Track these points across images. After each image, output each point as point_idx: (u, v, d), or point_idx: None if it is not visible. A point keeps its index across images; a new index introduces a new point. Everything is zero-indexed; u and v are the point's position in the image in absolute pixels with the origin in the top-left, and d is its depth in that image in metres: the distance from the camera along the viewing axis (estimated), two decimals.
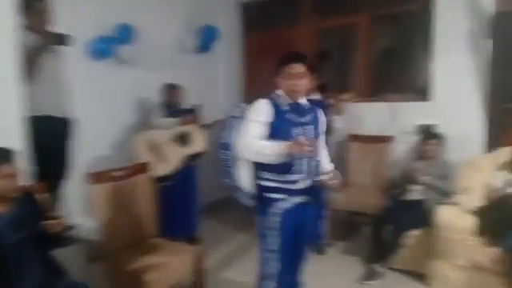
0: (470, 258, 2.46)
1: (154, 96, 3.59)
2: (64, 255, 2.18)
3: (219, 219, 4.23)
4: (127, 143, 3.49)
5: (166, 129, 3.32)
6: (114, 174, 2.51)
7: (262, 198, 2.03)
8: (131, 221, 2.54)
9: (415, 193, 3.06)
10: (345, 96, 3.25)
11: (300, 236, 2.11)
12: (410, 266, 2.95)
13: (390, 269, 2.98)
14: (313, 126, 2.06)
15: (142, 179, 2.66)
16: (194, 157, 3.40)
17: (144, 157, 3.10)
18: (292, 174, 1.99)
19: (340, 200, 3.52)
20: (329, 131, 3.30)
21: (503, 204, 2.60)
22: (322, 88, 3.60)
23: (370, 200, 3.39)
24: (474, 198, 2.83)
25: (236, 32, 4.76)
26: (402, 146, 3.66)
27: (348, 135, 3.84)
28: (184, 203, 3.40)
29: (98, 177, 2.39)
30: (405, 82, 3.92)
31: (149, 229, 2.63)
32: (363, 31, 3.97)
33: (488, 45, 3.18)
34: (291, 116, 2.02)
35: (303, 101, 2.10)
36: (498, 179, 2.81)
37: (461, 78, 3.32)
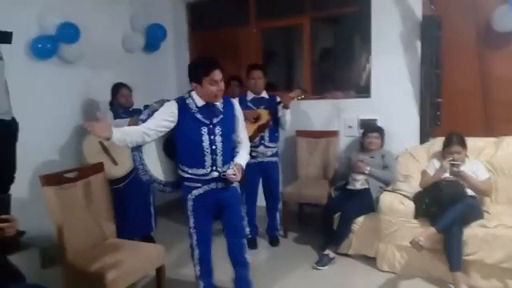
0: (410, 238, 2.71)
1: (102, 96, 3.51)
2: (18, 261, 2.11)
3: (175, 218, 4.23)
4: (76, 146, 3.40)
5: None
6: (67, 175, 2.45)
7: (182, 185, 2.36)
8: (87, 222, 2.49)
9: (360, 182, 3.30)
10: (292, 94, 3.42)
11: (224, 215, 2.43)
12: (359, 250, 3.18)
13: (341, 254, 3.19)
14: (221, 125, 2.29)
15: (95, 180, 2.60)
16: None
17: (95, 160, 3.03)
18: (198, 168, 2.28)
19: (291, 192, 3.69)
20: (282, 126, 3.48)
21: (435, 189, 2.88)
22: (269, 86, 3.76)
23: (318, 191, 3.59)
24: (412, 185, 3.13)
25: (183, 31, 4.77)
26: (346, 140, 3.92)
27: (296, 131, 4.03)
28: (139, 203, 3.36)
29: (50, 179, 2.31)
30: (347, 81, 4.19)
31: (106, 230, 2.60)
32: (306, 32, 4.15)
33: (418, 45, 3.51)
34: (200, 116, 2.26)
35: (218, 102, 2.32)
36: (432, 167, 3.14)
37: (396, 76, 3.62)
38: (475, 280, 2.67)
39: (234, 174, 2.26)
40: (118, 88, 3.42)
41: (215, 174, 2.30)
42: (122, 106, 3.40)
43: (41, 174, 2.29)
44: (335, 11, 4.08)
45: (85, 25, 3.46)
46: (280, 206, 3.66)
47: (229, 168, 2.29)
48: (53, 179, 2.32)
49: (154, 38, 4.24)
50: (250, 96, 3.42)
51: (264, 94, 3.47)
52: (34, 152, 3.19)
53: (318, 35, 4.23)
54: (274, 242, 3.58)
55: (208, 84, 2.20)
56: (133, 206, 3.28)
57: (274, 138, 3.46)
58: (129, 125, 3.24)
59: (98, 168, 2.66)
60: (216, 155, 2.28)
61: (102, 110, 3.51)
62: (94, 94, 3.67)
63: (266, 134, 3.38)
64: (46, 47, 3.25)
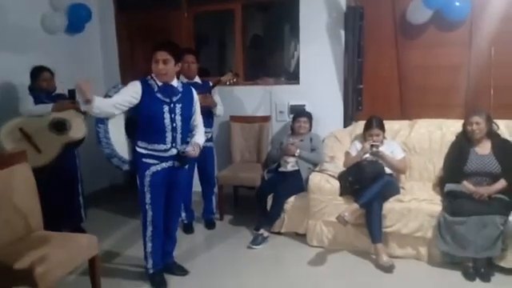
0: (336, 214, 2.92)
1: (20, 80, 3.27)
2: None
3: (105, 208, 4.10)
4: None
5: (39, 116, 3.07)
6: None
7: (139, 162, 2.48)
8: (9, 215, 2.33)
9: (290, 164, 3.45)
10: (223, 78, 3.46)
11: (172, 194, 2.61)
12: (290, 228, 3.35)
13: (274, 233, 3.34)
14: (181, 105, 2.50)
15: (18, 170, 2.42)
16: (74, 144, 3.22)
17: (13, 149, 2.83)
18: (159, 143, 2.45)
19: (226, 176, 3.76)
20: (214, 113, 3.51)
21: (357, 169, 3.11)
22: (202, 72, 3.75)
23: (252, 174, 3.69)
24: (337, 165, 3.35)
25: (109, 12, 4.54)
26: (278, 125, 4.07)
27: (230, 116, 4.08)
28: (66, 193, 3.22)
29: None
30: (277, 67, 4.32)
31: (32, 222, 2.45)
32: (238, 18, 4.17)
33: (342, 35, 3.72)
34: (160, 95, 2.43)
35: (175, 83, 2.52)
36: (354, 148, 3.38)
37: (322, 63, 3.82)
38: (393, 249, 2.95)
39: (193, 151, 2.51)
40: (38, 72, 3.19)
41: (174, 151, 2.49)
42: (44, 90, 3.18)
43: None
44: None
45: None
46: (216, 189, 3.71)
47: (187, 147, 2.53)
48: None
49: (77, 18, 3.99)
50: (183, 81, 3.40)
51: (197, 79, 3.47)
52: None
53: (249, 22, 4.28)
54: (210, 225, 3.63)
55: (153, 62, 2.41)
56: (61, 197, 3.12)
57: (207, 124, 3.47)
58: (53, 110, 3.08)
59: (21, 157, 2.49)
60: (176, 133, 2.48)
61: (21, 95, 3.26)
62: (10, 77, 3.39)
63: None
64: None
